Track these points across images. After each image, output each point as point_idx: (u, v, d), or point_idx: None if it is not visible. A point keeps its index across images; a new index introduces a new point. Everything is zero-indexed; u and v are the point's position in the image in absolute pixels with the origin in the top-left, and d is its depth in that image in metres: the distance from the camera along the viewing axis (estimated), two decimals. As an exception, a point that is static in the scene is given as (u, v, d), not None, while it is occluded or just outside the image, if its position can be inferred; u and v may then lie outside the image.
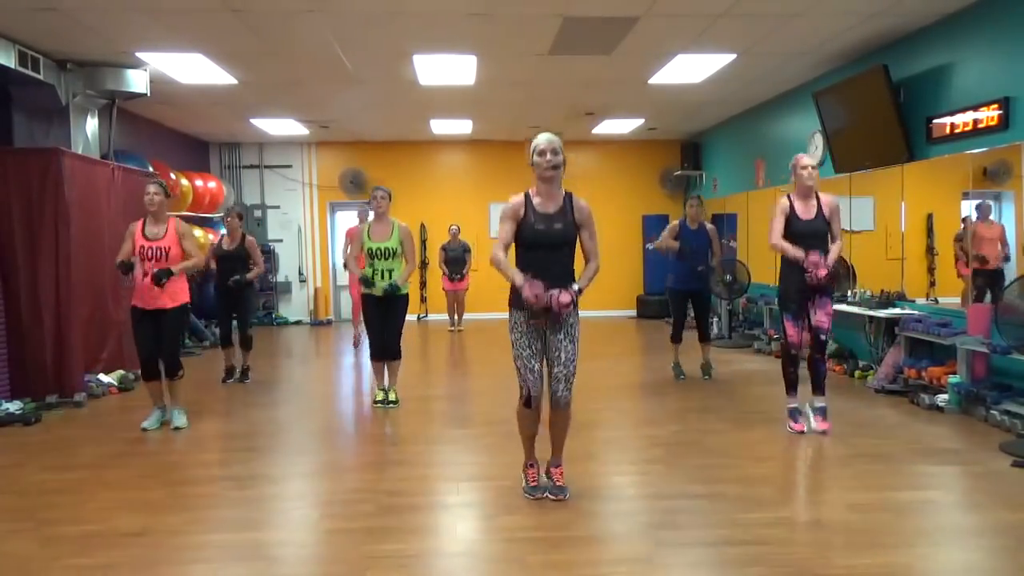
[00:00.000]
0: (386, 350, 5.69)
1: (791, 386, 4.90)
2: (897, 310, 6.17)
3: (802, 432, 4.73)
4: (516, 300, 3.49)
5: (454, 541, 3.28)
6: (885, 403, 5.63)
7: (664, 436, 4.81)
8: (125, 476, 4.17)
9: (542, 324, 3.48)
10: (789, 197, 4.80)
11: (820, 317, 4.75)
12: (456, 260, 10.30)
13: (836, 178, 7.32)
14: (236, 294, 6.64)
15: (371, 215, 5.83)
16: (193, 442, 4.91)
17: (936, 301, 6.07)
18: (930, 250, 6.17)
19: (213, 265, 6.88)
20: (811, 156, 4.72)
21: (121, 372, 6.69)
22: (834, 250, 4.73)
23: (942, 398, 5.28)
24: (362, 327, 6.93)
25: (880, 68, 6.14)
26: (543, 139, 3.47)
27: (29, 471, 4.27)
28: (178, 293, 5.09)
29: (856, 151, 6.83)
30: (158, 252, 5.00)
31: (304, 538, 3.34)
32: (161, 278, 4.89)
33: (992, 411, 4.86)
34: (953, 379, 5.25)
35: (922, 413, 5.28)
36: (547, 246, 3.47)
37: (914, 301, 6.27)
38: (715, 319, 9.04)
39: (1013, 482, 3.83)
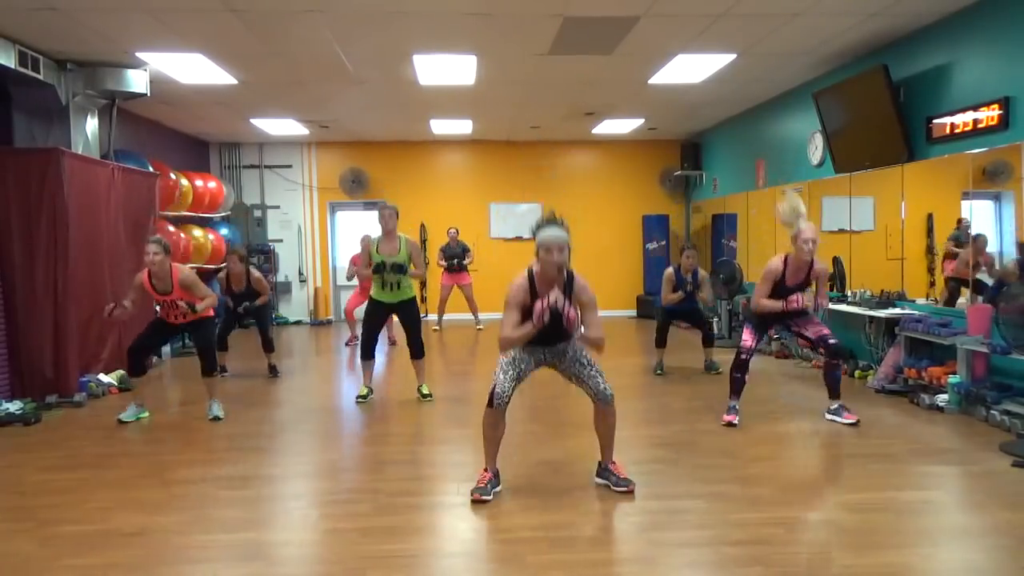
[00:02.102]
0: (412, 350, 5.95)
1: (734, 390, 5.06)
2: (897, 310, 6.17)
3: (733, 424, 4.92)
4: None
5: (454, 541, 3.28)
6: (885, 403, 5.63)
7: (664, 436, 4.81)
8: (125, 476, 4.17)
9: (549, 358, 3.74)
10: (784, 262, 4.88)
11: (816, 330, 4.93)
12: (456, 258, 10.30)
13: (836, 178, 7.33)
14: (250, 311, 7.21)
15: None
16: (193, 442, 4.91)
17: (936, 301, 6.06)
18: (930, 250, 6.17)
19: (230, 302, 7.23)
20: (812, 228, 4.78)
21: (121, 372, 6.68)
22: (817, 297, 5.00)
23: (942, 398, 5.28)
24: (359, 328, 6.94)
25: (880, 68, 6.14)
26: (551, 236, 3.49)
27: (29, 471, 4.27)
28: (205, 307, 5.40)
29: (856, 151, 6.83)
30: (173, 305, 5.30)
31: (304, 538, 3.34)
32: (192, 310, 5.28)
33: (992, 411, 4.86)
34: (953, 379, 5.25)
35: (922, 413, 5.28)
36: (551, 324, 3.53)
37: (914, 301, 6.27)
38: (715, 319, 9.05)
39: (1013, 482, 3.83)
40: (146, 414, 5.48)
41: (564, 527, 3.32)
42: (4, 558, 3.10)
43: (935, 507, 3.59)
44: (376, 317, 5.94)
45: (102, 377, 6.43)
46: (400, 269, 5.74)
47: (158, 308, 5.43)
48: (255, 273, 7.20)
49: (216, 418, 5.39)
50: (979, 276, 5.55)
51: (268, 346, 7.31)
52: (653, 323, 11.25)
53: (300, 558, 3.13)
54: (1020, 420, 4.61)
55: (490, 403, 3.64)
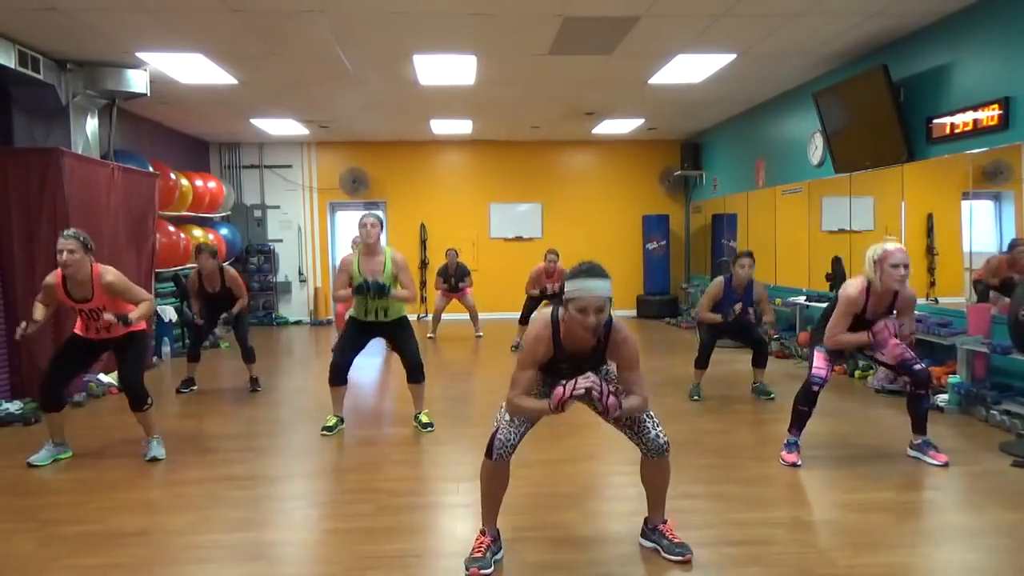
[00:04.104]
0: (408, 372, 5.08)
1: (797, 424, 4.24)
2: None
3: (797, 465, 4.13)
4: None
5: (454, 541, 3.28)
6: (885, 403, 5.63)
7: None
8: (125, 476, 4.17)
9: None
10: (867, 292, 4.01)
11: (900, 354, 4.06)
12: (455, 282, 9.62)
13: (836, 178, 7.33)
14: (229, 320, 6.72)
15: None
16: (193, 442, 4.91)
17: (936, 301, 6.06)
18: (930, 250, 6.17)
19: (195, 308, 6.59)
20: (904, 251, 3.91)
21: (121, 372, 6.68)
22: (905, 325, 4.06)
23: (942, 398, 5.28)
24: None
25: (880, 68, 6.14)
26: (589, 291, 2.68)
27: (29, 471, 4.26)
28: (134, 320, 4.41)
29: (856, 151, 6.83)
30: (94, 316, 4.34)
31: (304, 538, 3.34)
32: (124, 322, 4.31)
33: (992, 411, 4.86)
34: (953, 379, 5.25)
35: (922, 413, 5.28)
36: (569, 374, 2.82)
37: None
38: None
39: (1013, 482, 3.83)
40: (68, 454, 4.53)
41: (564, 527, 3.32)
42: (4, 558, 3.10)
43: (935, 507, 3.59)
44: (356, 340, 5.01)
45: (102, 377, 6.43)
46: (385, 291, 4.78)
47: (78, 319, 4.47)
48: (230, 271, 6.53)
49: (154, 459, 4.43)
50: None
51: (248, 356, 6.58)
52: (653, 323, 11.40)
53: (300, 558, 3.13)
54: (1020, 420, 4.61)
55: (488, 453, 2.89)
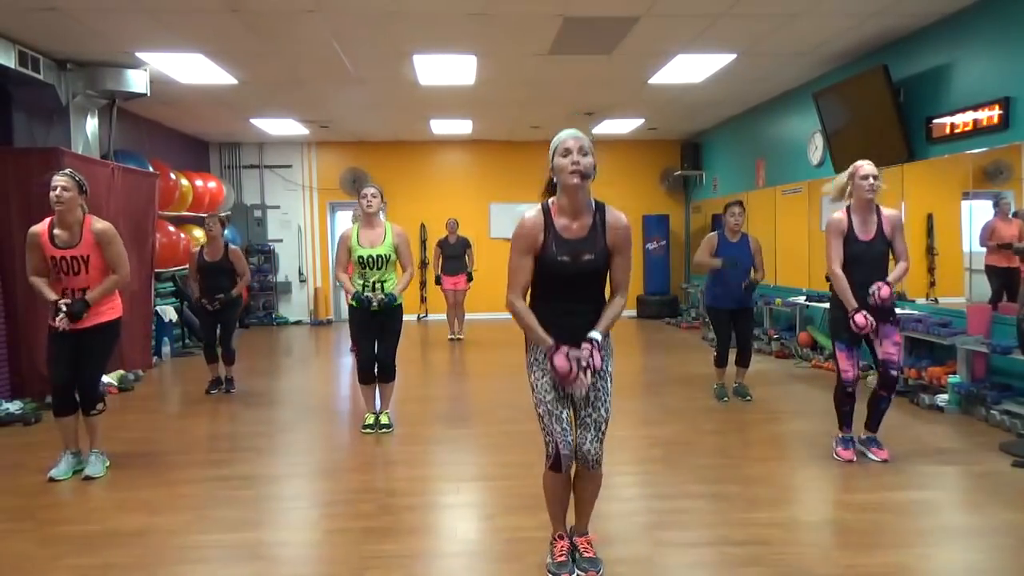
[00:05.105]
0: (378, 369, 4.97)
1: (845, 421, 4.30)
2: (897, 310, 6.15)
3: (852, 461, 4.18)
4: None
5: (454, 541, 3.28)
6: (885, 403, 5.62)
7: (664, 436, 4.81)
8: (125, 476, 4.17)
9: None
10: (847, 212, 4.12)
11: (888, 349, 4.14)
12: (455, 258, 9.64)
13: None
14: (222, 308, 6.21)
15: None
16: (193, 442, 4.91)
17: (936, 301, 6.06)
18: (930, 250, 6.17)
19: (194, 283, 6.35)
20: (870, 163, 4.06)
21: (121, 372, 6.70)
22: (899, 270, 4.14)
23: (942, 398, 5.28)
24: None
25: (880, 68, 6.14)
26: (568, 134, 2.68)
27: (29, 471, 4.26)
28: (105, 309, 4.12)
29: (856, 151, 6.80)
30: (74, 265, 4.00)
31: (304, 538, 3.34)
32: (79, 314, 3.95)
33: (992, 411, 4.86)
34: (953, 379, 5.25)
35: (922, 413, 5.29)
36: (573, 282, 2.74)
37: (914, 301, 6.26)
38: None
39: (1013, 482, 3.83)
40: (84, 466, 4.18)
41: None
42: (4, 558, 3.10)
43: (935, 507, 3.59)
44: (365, 326, 4.92)
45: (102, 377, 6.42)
46: (384, 262, 4.80)
47: (55, 291, 4.01)
48: (234, 247, 6.32)
49: (89, 477, 4.06)
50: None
51: (228, 357, 6.31)
52: (653, 323, 11.41)
53: (300, 558, 3.13)
54: (1020, 420, 4.61)
55: (556, 467, 2.76)
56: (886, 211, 4.15)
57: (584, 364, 2.62)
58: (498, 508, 3.58)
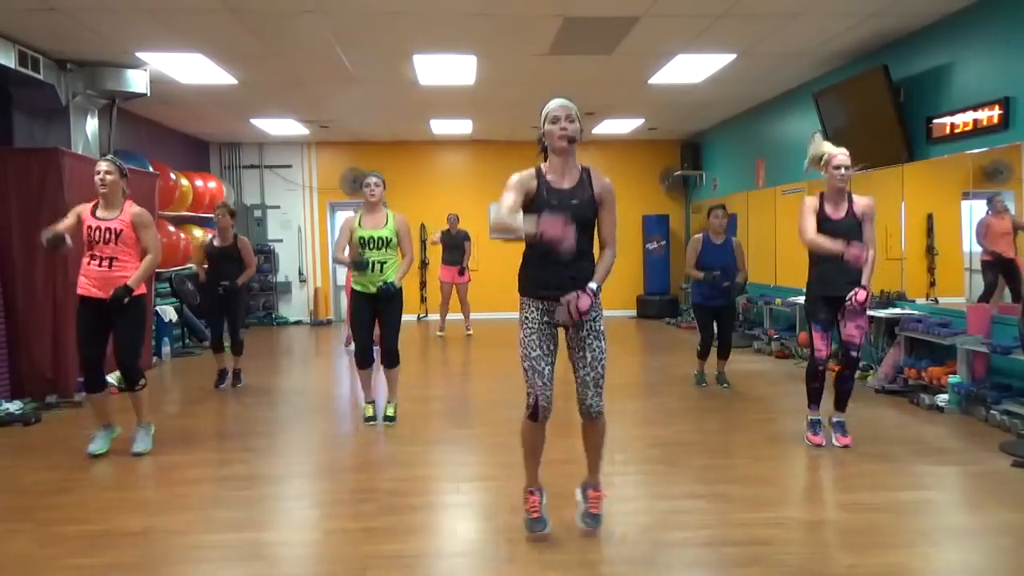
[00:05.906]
0: (383, 355, 5.11)
1: (813, 399, 4.57)
2: (897, 310, 6.17)
3: (820, 445, 4.44)
4: (528, 286, 3.02)
5: (454, 541, 3.28)
6: (885, 403, 5.63)
7: (664, 436, 4.81)
8: (125, 476, 4.17)
9: (568, 319, 2.89)
10: (821, 196, 4.44)
11: (850, 331, 4.40)
12: (454, 248, 9.78)
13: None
14: (227, 297, 6.32)
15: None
16: (193, 442, 4.90)
17: (936, 301, 6.06)
18: (930, 250, 6.17)
19: (204, 267, 6.47)
20: (845, 154, 4.32)
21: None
22: (868, 264, 4.26)
23: (942, 398, 5.28)
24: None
25: (880, 68, 6.14)
26: (556, 103, 2.99)
27: (29, 471, 4.26)
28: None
29: (856, 151, 6.72)
30: (107, 236, 4.31)
31: (304, 538, 3.34)
32: (121, 298, 4.26)
33: (992, 411, 4.86)
34: (953, 379, 5.25)
35: (922, 413, 5.29)
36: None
37: (914, 301, 6.27)
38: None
39: (1013, 482, 3.83)
40: (118, 430, 4.64)
41: (564, 527, 3.32)
42: (4, 558, 3.10)
43: (935, 507, 3.59)
44: (365, 312, 5.05)
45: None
46: (385, 244, 4.93)
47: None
48: (243, 238, 6.46)
49: (139, 453, 4.43)
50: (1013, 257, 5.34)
51: (237, 348, 6.42)
52: (653, 323, 11.41)
53: (301, 558, 3.13)
54: (1020, 420, 4.61)
55: (533, 415, 3.00)
56: (858, 197, 4.44)
57: (574, 308, 2.83)
58: (498, 508, 3.58)
